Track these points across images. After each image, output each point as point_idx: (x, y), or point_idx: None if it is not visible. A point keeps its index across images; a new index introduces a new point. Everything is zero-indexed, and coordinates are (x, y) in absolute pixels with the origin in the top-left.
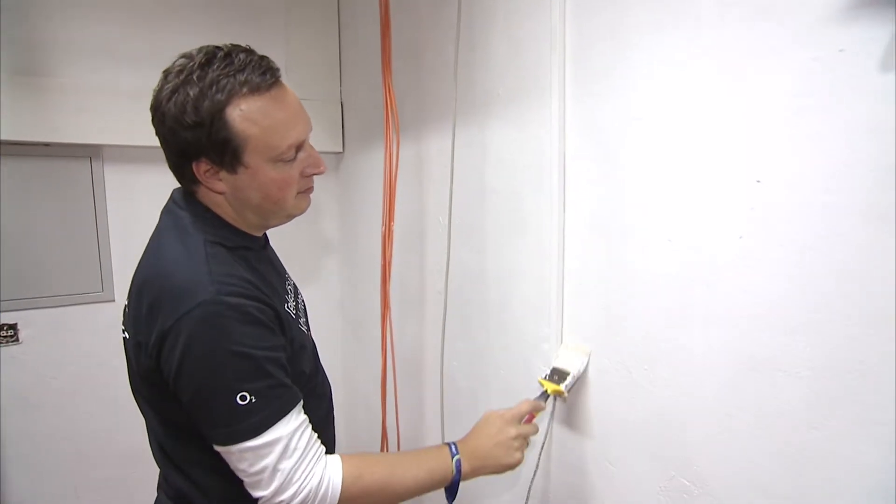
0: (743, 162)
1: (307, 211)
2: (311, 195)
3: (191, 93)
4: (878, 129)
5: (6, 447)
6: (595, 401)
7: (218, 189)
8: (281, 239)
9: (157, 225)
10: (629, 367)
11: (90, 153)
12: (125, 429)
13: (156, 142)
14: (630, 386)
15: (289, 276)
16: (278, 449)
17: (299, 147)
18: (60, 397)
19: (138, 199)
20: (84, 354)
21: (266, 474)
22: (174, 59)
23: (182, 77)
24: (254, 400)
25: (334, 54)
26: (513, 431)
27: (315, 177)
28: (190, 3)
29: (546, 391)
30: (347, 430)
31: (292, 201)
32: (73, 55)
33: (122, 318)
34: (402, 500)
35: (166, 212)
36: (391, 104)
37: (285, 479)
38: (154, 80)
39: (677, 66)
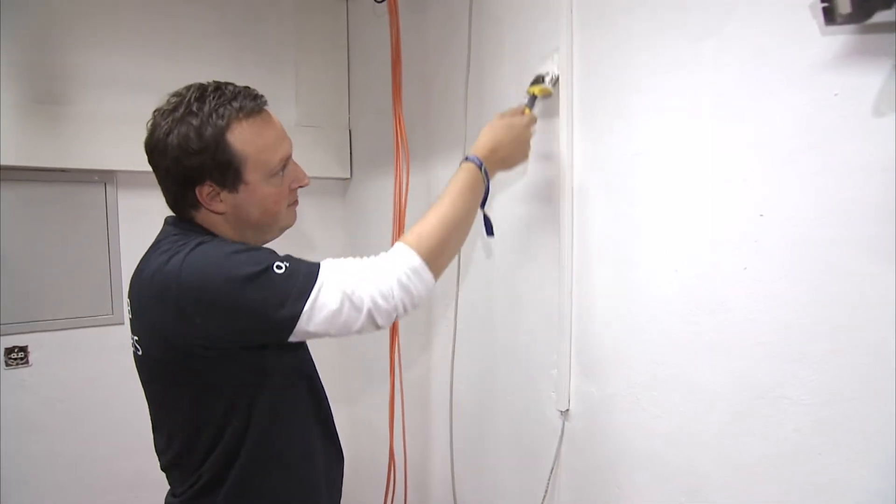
0: (746, 196)
1: (314, 235)
2: (317, 217)
3: (193, 122)
4: (871, 168)
5: (7, 469)
6: (603, 426)
7: (219, 210)
8: None
9: (147, 252)
10: (637, 393)
11: (104, 178)
12: (130, 454)
13: None
14: (638, 412)
15: None
16: (337, 282)
17: (286, 162)
18: (66, 420)
19: (148, 223)
20: (91, 377)
21: (351, 303)
22: (165, 99)
23: (180, 112)
24: (287, 264)
25: (343, 81)
26: (524, 120)
27: (321, 203)
28: (200, 34)
29: (534, 95)
30: (353, 455)
31: (284, 213)
32: (89, 84)
33: (130, 332)
34: (466, 222)
35: (160, 236)
36: (401, 134)
37: (377, 289)
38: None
39: (680, 106)
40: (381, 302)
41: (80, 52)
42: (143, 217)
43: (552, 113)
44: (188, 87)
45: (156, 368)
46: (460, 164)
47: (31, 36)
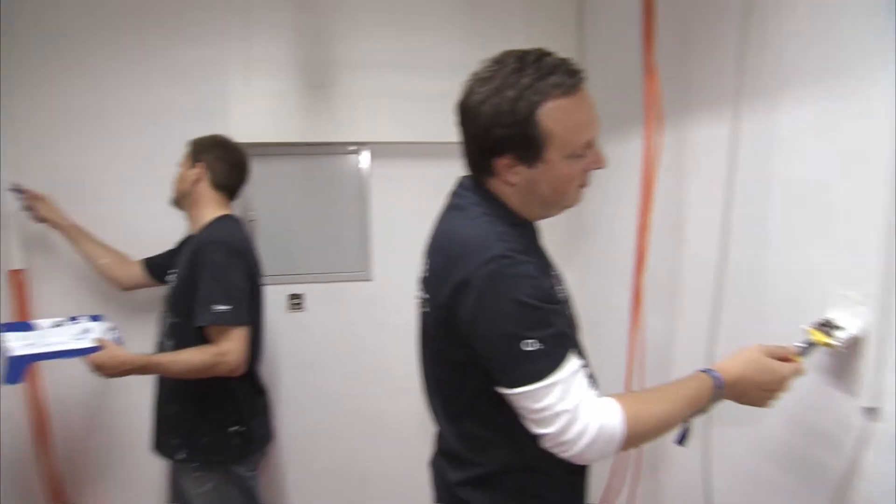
0: None
1: None
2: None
3: (509, 95)
4: None
5: (287, 397)
6: None
7: (511, 181)
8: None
9: (446, 206)
10: None
11: (359, 149)
12: (377, 393)
13: (414, 137)
14: None
15: (554, 265)
16: (558, 390)
17: (590, 144)
18: (330, 359)
19: (396, 191)
20: (347, 324)
21: (549, 413)
22: (482, 64)
23: (497, 82)
24: (539, 347)
25: (572, 38)
26: (787, 371)
27: None
28: (442, 11)
29: (814, 342)
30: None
31: (573, 194)
32: (348, 67)
33: (419, 284)
34: (675, 426)
35: (455, 195)
36: (654, 88)
37: (571, 419)
38: (411, 82)
39: None
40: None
41: (341, 40)
42: (390, 185)
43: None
44: (507, 54)
45: (433, 332)
46: (698, 371)
47: (305, 31)
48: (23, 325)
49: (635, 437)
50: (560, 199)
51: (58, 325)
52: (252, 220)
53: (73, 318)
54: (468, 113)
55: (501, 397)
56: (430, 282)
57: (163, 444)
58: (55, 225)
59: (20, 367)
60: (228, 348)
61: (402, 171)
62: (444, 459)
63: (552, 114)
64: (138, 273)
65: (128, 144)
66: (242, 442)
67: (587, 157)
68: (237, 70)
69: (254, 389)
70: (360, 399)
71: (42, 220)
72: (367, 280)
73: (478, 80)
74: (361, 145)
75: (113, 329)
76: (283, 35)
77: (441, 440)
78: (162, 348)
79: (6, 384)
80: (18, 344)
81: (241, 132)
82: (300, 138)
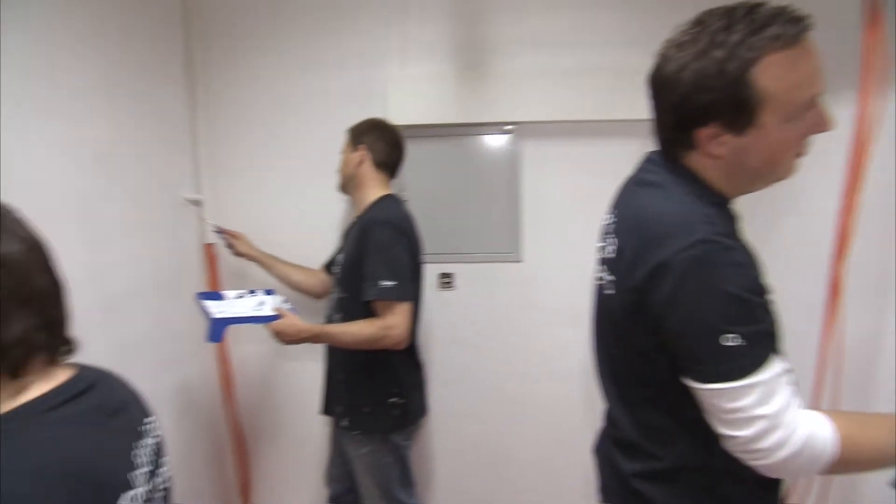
0: None
1: None
2: None
3: (716, 55)
4: None
5: (438, 373)
6: None
7: (716, 153)
8: None
9: (634, 182)
10: None
11: (512, 129)
12: (524, 375)
13: (567, 116)
14: None
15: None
16: (756, 393)
17: (812, 103)
18: (478, 337)
19: (548, 171)
20: (496, 304)
21: (743, 415)
22: (677, 30)
23: (701, 44)
24: (740, 343)
25: None
26: None
27: None
28: None
29: None
30: None
31: (787, 164)
32: (500, 48)
33: (601, 264)
34: (883, 467)
35: (644, 171)
36: (877, 39)
37: (770, 425)
38: (566, 60)
39: None
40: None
41: (496, 21)
42: (542, 166)
43: None
44: (709, 14)
45: (617, 316)
46: None
47: (460, 14)
48: (214, 295)
49: (844, 463)
50: (772, 170)
51: (240, 297)
52: (405, 201)
53: (252, 291)
54: (664, 83)
55: (690, 389)
56: (618, 263)
57: (330, 409)
58: (251, 258)
59: (220, 329)
60: (394, 322)
61: (554, 151)
62: (617, 447)
63: (770, 70)
64: (324, 278)
65: (300, 133)
66: (401, 413)
67: (808, 118)
68: (395, 55)
69: (413, 364)
70: (506, 379)
71: (240, 255)
72: (518, 261)
73: (674, 47)
74: (515, 125)
75: (286, 302)
76: (438, 19)
77: (613, 427)
78: (330, 321)
79: (209, 342)
80: (217, 309)
81: (397, 115)
82: (454, 119)
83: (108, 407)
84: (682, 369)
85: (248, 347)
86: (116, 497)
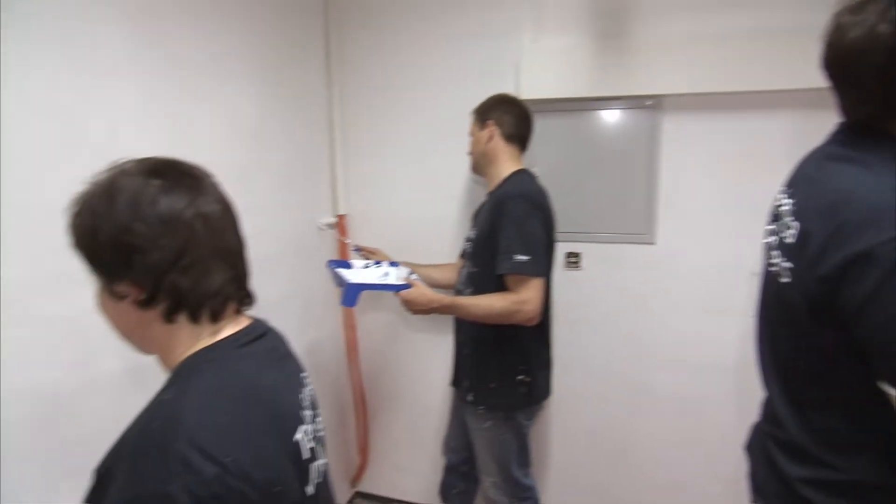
0: None
1: None
2: None
3: None
4: None
5: (555, 356)
6: None
7: None
8: None
9: (823, 157)
10: None
11: (652, 103)
12: (649, 362)
13: (716, 87)
14: None
15: None
16: None
17: None
18: (602, 319)
19: (689, 147)
20: (624, 287)
21: None
22: None
23: (882, 4)
24: None
25: None
26: None
27: None
28: None
29: None
30: None
31: None
32: (642, 14)
33: (773, 249)
34: None
35: (836, 144)
36: None
37: None
38: (714, 24)
39: None
40: None
41: None
42: (683, 141)
43: None
44: None
45: (796, 307)
46: None
47: None
48: (344, 263)
49: None
50: None
51: (366, 266)
52: (537, 177)
53: (377, 263)
54: (852, 51)
55: (884, 395)
56: (800, 249)
57: (457, 382)
58: None
59: (355, 294)
60: (527, 297)
61: (697, 125)
62: (780, 448)
63: None
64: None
65: (430, 111)
66: (527, 391)
67: None
68: (528, 27)
69: (542, 342)
70: (630, 366)
71: None
72: (650, 243)
73: (847, 13)
74: (655, 98)
75: (411, 273)
76: None
77: (776, 426)
78: (458, 295)
79: (344, 306)
80: (352, 277)
81: (529, 90)
82: (589, 93)
83: (280, 352)
84: (880, 374)
85: (373, 315)
86: (294, 428)
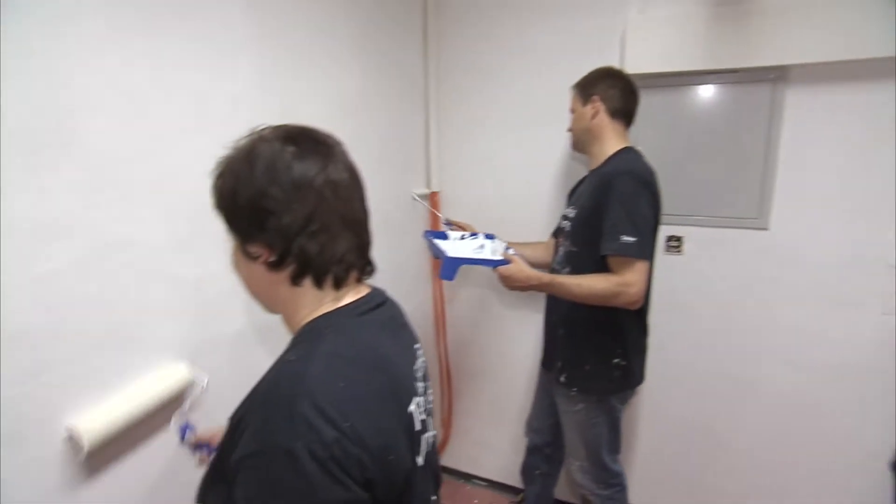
0: None
1: None
2: None
3: None
4: None
5: (650, 342)
6: None
7: None
8: None
9: None
10: None
11: (775, 75)
12: (752, 356)
13: (852, 55)
14: None
15: None
16: None
17: None
18: (703, 307)
19: (815, 124)
20: (729, 274)
21: None
22: None
23: None
24: None
25: None
26: None
27: None
28: None
29: None
30: None
31: None
32: None
33: None
34: None
35: None
36: None
37: None
38: None
39: None
40: None
41: None
42: (809, 117)
43: None
44: None
45: None
46: None
47: None
48: (440, 234)
49: None
50: None
51: (462, 238)
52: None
53: (473, 235)
54: None
55: None
56: None
57: (549, 362)
58: None
59: (454, 267)
60: (632, 280)
61: (828, 98)
62: None
63: None
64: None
65: (528, 87)
66: (622, 376)
67: None
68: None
69: (640, 327)
70: (732, 360)
71: None
72: (762, 229)
73: None
74: (779, 69)
75: (508, 248)
76: None
77: None
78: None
79: (443, 279)
80: (446, 248)
81: (635, 63)
82: (700, 66)
83: (397, 321)
84: None
85: (463, 290)
86: (410, 398)
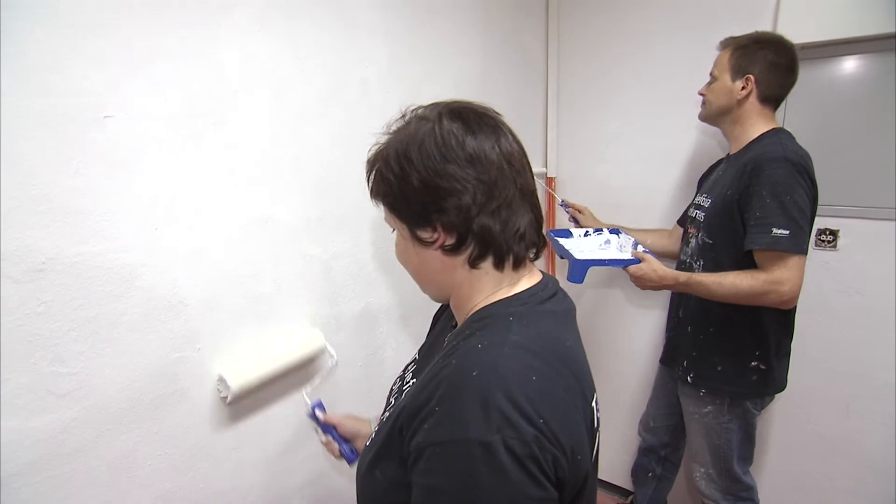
0: None
1: None
2: None
3: None
4: None
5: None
6: None
7: None
8: None
9: None
10: None
11: None
12: None
13: None
14: None
15: None
16: None
17: None
18: (858, 313)
19: None
20: (892, 275)
21: None
22: None
23: None
24: None
25: None
26: None
27: None
28: None
29: None
30: None
31: None
32: None
33: None
34: None
35: None
36: None
37: None
38: None
39: None
40: None
41: None
42: None
43: None
44: None
45: None
46: None
47: None
48: (564, 232)
49: None
50: None
51: (586, 235)
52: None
53: (598, 230)
54: None
55: None
56: None
57: (672, 360)
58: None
59: (583, 270)
60: (785, 277)
61: None
62: None
63: None
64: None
65: (654, 63)
66: (759, 380)
67: None
68: None
69: (786, 329)
70: (885, 370)
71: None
72: None
73: None
74: None
75: (636, 243)
76: None
77: None
78: (685, 269)
79: (571, 282)
80: (570, 248)
81: (791, 32)
82: (871, 31)
83: (572, 313)
84: None
85: (573, 284)
86: (592, 396)
